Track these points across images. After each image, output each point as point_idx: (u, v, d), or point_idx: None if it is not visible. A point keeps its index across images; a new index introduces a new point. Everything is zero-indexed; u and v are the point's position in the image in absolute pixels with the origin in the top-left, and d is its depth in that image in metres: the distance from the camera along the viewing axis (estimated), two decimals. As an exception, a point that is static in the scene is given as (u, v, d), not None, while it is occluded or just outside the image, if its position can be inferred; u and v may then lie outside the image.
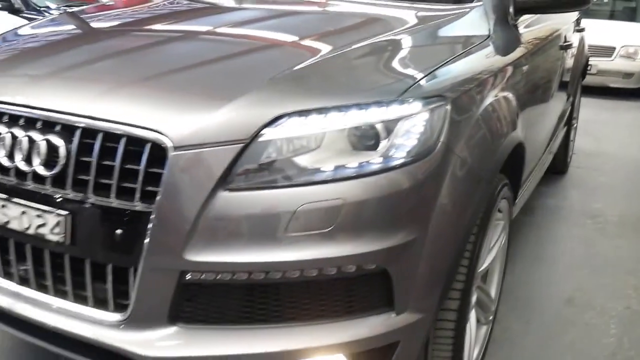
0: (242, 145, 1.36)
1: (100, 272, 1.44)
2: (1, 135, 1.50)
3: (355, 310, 1.48)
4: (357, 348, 1.48)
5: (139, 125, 1.38)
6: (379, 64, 1.72)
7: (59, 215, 1.42)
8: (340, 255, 1.39)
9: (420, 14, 2.16)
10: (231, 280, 1.39)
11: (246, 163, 1.37)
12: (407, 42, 1.89)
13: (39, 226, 1.45)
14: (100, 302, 1.47)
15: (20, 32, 2.22)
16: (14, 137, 1.48)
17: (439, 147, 1.50)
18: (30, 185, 1.47)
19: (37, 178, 1.46)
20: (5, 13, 6.29)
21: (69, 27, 2.31)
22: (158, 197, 1.34)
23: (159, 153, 1.36)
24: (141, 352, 1.41)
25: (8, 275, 1.59)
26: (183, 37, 2.06)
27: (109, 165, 1.39)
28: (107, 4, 2.86)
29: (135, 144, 1.38)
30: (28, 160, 1.46)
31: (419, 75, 1.60)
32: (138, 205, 1.37)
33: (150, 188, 1.36)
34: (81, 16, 2.48)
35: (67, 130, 1.44)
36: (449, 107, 1.56)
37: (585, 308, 2.59)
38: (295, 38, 1.91)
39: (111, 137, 1.40)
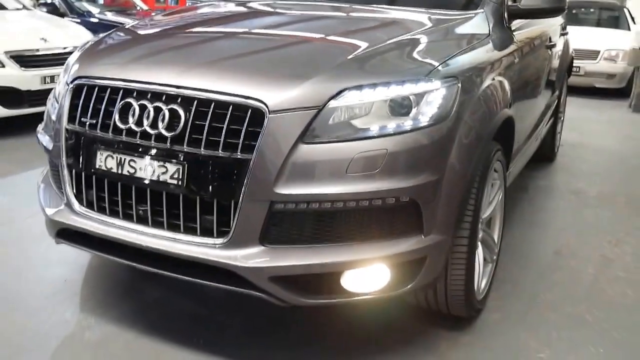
0: (316, 110, 1.89)
1: (207, 208, 1.95)
2: (132, 107, 2.01)
3: (394, 232, 1.99)
4: (397, 260, 1.99)
5: (244, 96, 1.89)
6: (409, 54, 2.26)
7: (178, 164, 1.93)
8: (384, 189, 1.91)
9: (435, 17, 2.71)
10: (306, 209, 1.90)
11: (319, 123, 1.89)
12: (427, 38, 2.43)
13: (161, 174, 1.96)
14: (205, 231, 1.97)
15: (129, 28, 2.83)
16: (142, 108, 2.00)
17: (452, 114, 2.03)
18: (154, 143, 1.98)
19: (160, 138, 1.97)
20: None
21: (168, 24, 2.91)
22: (256, 148, 1.86)
23: (257, 116, 1.87)
24: (239, 264, 1.91)
25: (126, 216, 2.09)
26: (262, 31, 2.66)
27: (217, 126, 1.90)
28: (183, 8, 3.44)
29: (239, 110, 1.89)
30: (152, 125, 1.98)
31: (438, 62, 2.14)
32: (239, 155, 1.88)
33: (249, 142, 1.87)
34: (172, 16, 3.11)
35: (186, 101, 1.95)
36: (459, 85, 2.09)
37: (570, 257, 3.15)
38: (346, 34, 2.50)
39: (220, 105, 1.91)
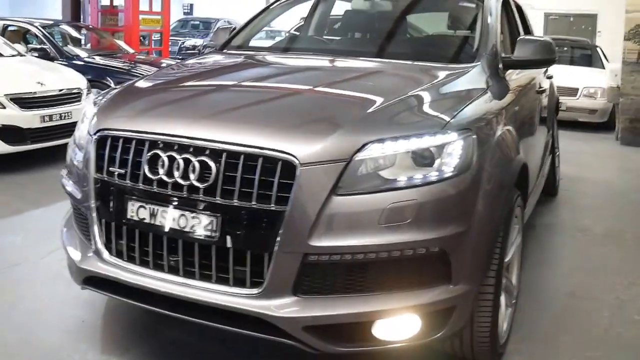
0: (344, 163, 1.93)
1: (240, 258, 1.97)
2: (161, 158, 2.04)
3: (424, 282, 2.02)
4: (427, 310, 2.01)
5: (274, 149, 1.94)
6: (422, 108, 2.33)
7: (211, 215, 1.96)
8: (415, 240, 1.94)
9: (437, 71, 2.77)
10: (339, 260, 1.93)
11: (348, 175, 1.93)
12: (436, 92, 2.50)
13: (195, 225, 1.98)
14: (238, 281, 1.99)
15: (148, 78, 2.88)
16: (171, 159, 2.03)
17: (474, 164, 2.08)
18: (186, 194, 2.00)
19: (193, 189, 2.00)
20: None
21: (185, 75, 2.97)
22: (290, 200, 1.89)
23: (288, 169, 1.91)
24: (274, 314, 1.93)
25: (157, 266, 2.11)
26: (282, 85, 2.71)
27: (249, 177, 1.94)
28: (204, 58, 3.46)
29: (269, 162, 1.93)
30: (183, 176, 2.00)
31: (449, 115, 2.20)
32: (273, 207, 1.91)
33: (282, 194, 1.91)
34: (186, 67, 3.15)
35: (214, 153, 1.99)
36: (475, 136, 2.15)
37: (584, 299, 3.18)
38: (359, 88, 2.59)
39: (250, 158, 1.95)
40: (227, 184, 1.96)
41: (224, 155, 1.98)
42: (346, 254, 1.92)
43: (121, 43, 8.97)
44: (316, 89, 2.55)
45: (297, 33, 4.29)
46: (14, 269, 3.29)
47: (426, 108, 2.34)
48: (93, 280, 2.27)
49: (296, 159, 1.91)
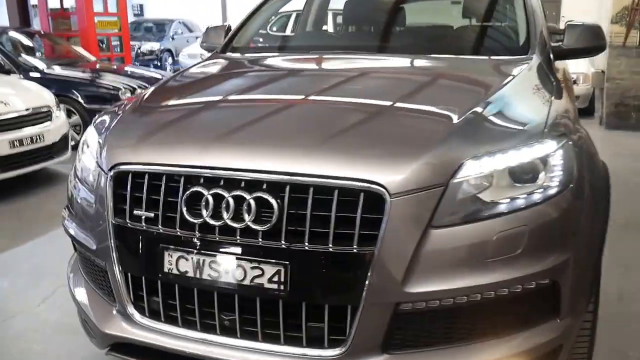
0: (442, 188, 1.59)
1: (316, 314, 1.61)
2: (204, 197, 1.65)
3: (529, 321, 1.70)
4: (535, 354, 1.69)
5: (354, 178, 1.56)
6: (507, 114, 1.97)
7: (277, 264, 1.58)
8: (527, 274, 1.62)
9: (501, 69, 2.44)
10: (438, 307, 1.59)
11: (446, 203, 1.59)
12: (513, 95, 2.12)
13: (256, 277, 1.61)
14: (313, 341, 1.63)
15: (165, 93, 2.42)
16: (217, 197, 1.63)
17: (576, 175, 1.76)
18: (240, 240, 1.62)
19: (249, 233, 1.61)
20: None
21: (211, 86, 2.49)
22: (379, 240, 1.53)
23: (373, 201, 1.55)
24: None
25: (206, 327, 1.72)
26: (334, 98, 2.20)
27: (322, 215, 1.57)
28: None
29: (348, 194, 1.56)
30: (235, 217, 1.62)
31: (542, 121, 1.88)
32: (356, 249, 1.55)
33: (366, 232, 1.55)
34: (210, 74, 2.72)
35: (275, 188, 1.60)
36: (570, 142, 1.84)
37: (633, 301, 2.95)
38: (430, 98, 2.15)
39: (322, 191, 1.58)
40: (294, 224, 1.59)
41: (287, 189, 1.60)
42: (447, 298, 1.59)
43: (79, 49, 8.26)
44: (381, 100, 2.10)
45: (308, 28, 3.81)
46: (8, 323, 2.83)
47: (512, 114, 2.00)
48: (121, 345, 1.87)
49: (384, 188, 1.55)
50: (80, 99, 6.42)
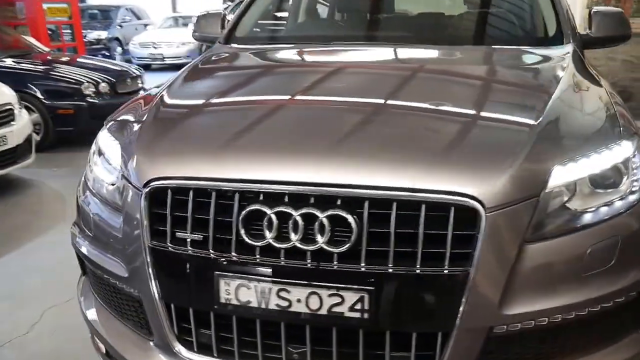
0: (535, 200, 1.43)
1: (401, 342, 1.44)
2: (267, 216, 1.44)
3: (618, 334, 1.59)
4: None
5: (444, 191, 1.39)
6: (579, 115, 1.84)
7: (360, 291, 1.40)
8: (622, 287, 1.50)
9: (550, 61, 2.28)
10: (532, 327, 1.45)
11: (539, 215, 1.44)
12: (574, 90, 1.99)
13: (334, 305, 1.41)
14: None
15: (199, 94, 2.15)
16: (282, 216, 1.43)
17: None
18: (312, 264, 1.42)
19: (322, 256, 1.42)
20: None
21: (252, 84, 2.18)
22: (474, 259, 1.37)
23: (466, 217, 1.38)
24: None
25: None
26: (396, 101, 1.96)
27: (406, 233, 1.39)
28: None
29: (436, 209, 1.39)
30: (304, 239, 1.42)
31: (615, 120, 1.76)
32: (446, 270, 1.38)
33: (458, 250, 1.38)
34: (235, 68, 2.47)
35: (352, 204, 1.41)
36: None
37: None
38: (498, 95, 1.99)
39: (407, 206, 1.40)
40: (375, 244, 1.40)
41: (366, 204, 1.41)
42: (541, 318, 1.45)
43: (30, 39, 7.63)
44: (446, 102, 1.87)
45: (301, 15, 3.51)
46: (-2, 356, 2.53)
47: (580, 114, 1.86)
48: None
49: (479, 202, 1.38)
50: (39, 95, 5.92)
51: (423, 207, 1.39)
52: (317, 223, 1.41)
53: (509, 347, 1.48)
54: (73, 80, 6.11)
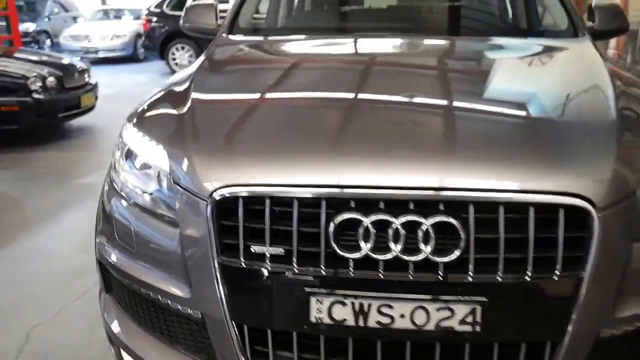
0: (633, 196, 1.37)
1: (506, 354, 1.35)
2: (362, 225, 1.30)
3: None
4: None
5: (552, 192, 1.30)
6: (623, 102, 1.78)
7: (471, 302, 1.29)
8: None
9: (580, 52, 2.27)
10: (634, 330, 1.39)
11: (637, 212, 1.37)
12: (622, 86, 1.93)
13: (443, 320, 1.30)
14: None
15: (252, 88, 1.96)
16: (380, 225, 1.29)
17: None
18: (414, 275, 1.30)
19: (425, 266, 1.30)
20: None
21: (316, 87, 1.95)
22: (589, 262, 1.29)
23: (576, 218, 1.30)
24: None
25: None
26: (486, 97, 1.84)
27: (513, 238, 1.29)
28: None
29: (544, 211, 1.30)
30: (406, 249, 1.29)
31: None
32: (556, 275, 1.30)
33: (570, 254, 1.30)
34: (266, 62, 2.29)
35: (457, 208, 1.30)
36: None
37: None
38: (567, 88, 1.90)
39: (514, 208, 1.30)
40: (483, 252, 1.30)
41: (471, 209, 1.30)
42: None
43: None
44: (514, 94, 1.82)
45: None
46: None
47: (627, 101, 1.83)
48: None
49: (590, 202, 1.30)
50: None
51: (531, 209, 1.29)
52: (421, 231, 1.28)
53: (612, 352, 1.41)
54: (18, 75, 5.63)
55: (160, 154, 1.58)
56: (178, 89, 1.98)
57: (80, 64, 6.52)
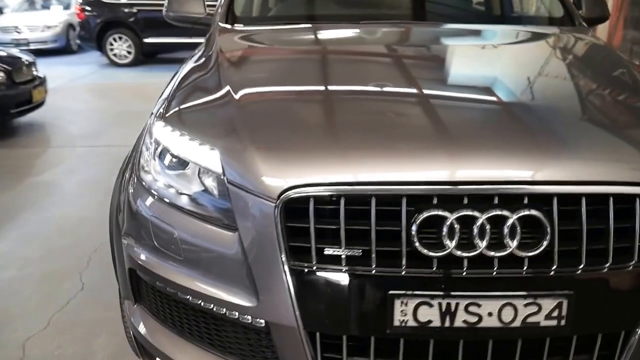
0: None
1: (582, 346, 1.36)
2: (447, 221, 1.27)
3: None
4: None
5: (632, 182, 1.31)
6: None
7: (558, 296, 1.29)
8: None
9: (590, 40, 2.34)
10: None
11: None
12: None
13: (530, 315, 1.29)
14: None
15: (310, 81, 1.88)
16: (466, 221, 1.27)
17: None
18: (502, 271, 1.28)
19: (510, 261, 1.28)
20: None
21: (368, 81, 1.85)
22: None
23: None
24: None
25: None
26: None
27: (593, 229, 1.30)
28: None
29: (622, 201, 1.31)
30: (491, 244, 1.28)
31: None
32: (634, 264, 1.31)
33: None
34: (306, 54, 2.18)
35: (541, 201, 1.29)
36: None
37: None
38: (597, 75, 1.95)
39: (593, 199, 1.30)
40: (566, 244, 1.30)
41: (555, 201, 1.29)
42: None
43: None
44: (555, 81, 1.85)
45: None
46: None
47: None
48: None
49: None
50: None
51: (611, 200, 1.30)
52: (506, 225, 1.26)
53: None
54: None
55: (207, 154, 1.48)
56: (205, 83, 1.87)
57: (26, 57, 6.11)
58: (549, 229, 1.27)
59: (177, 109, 1.73)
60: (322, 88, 1.84)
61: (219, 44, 2.23)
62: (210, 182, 1.47)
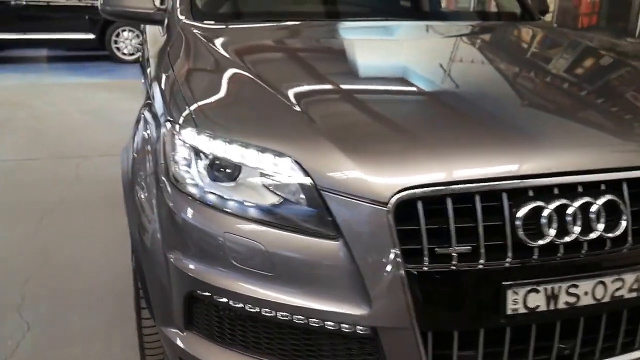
0: None
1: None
2: (545, 212, 1.35)
3: None
4: None
5: None
6: None
7: (637, 270, 1.43)
8: None
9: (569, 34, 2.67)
10: None
11: None
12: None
13: (616, 290, 1.42)
14: None
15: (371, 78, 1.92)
16: (561, 210, 1.37)
17: None
18: (588, 253, 1.40)
19: (596, 243, 1.41)
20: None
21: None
22: None
23: None
24: None
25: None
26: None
27: None
28: None
29: None
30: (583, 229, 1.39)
31: None
32: None
33: None
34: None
35: (613, 187, 1.42)
36: None
37: None
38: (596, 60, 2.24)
39: None
40: (637, 223, 1.45)
41: (625, 186, 1.43)
42: None
43: None
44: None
45: None
46: None
47: None
48: None
49: None
50: None
51: None
52: (593, 211, 1.39)
53: None
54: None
55: (275, 161, 1.41)
56: (236, 86, 1.77)
57: None
58: (625, 211, 1.42)
59: (224, 116, 1.61)
60: (380, 86, 1.89)
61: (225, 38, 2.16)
62: (289, 191, 1.40)
